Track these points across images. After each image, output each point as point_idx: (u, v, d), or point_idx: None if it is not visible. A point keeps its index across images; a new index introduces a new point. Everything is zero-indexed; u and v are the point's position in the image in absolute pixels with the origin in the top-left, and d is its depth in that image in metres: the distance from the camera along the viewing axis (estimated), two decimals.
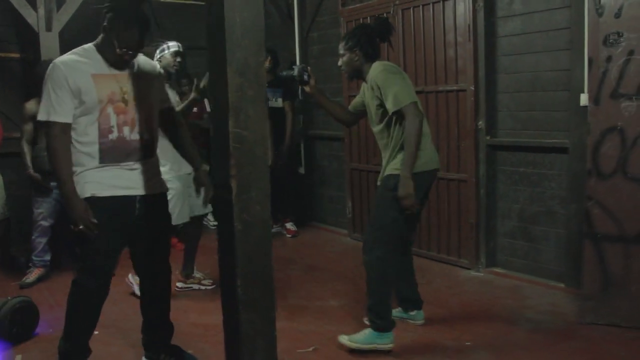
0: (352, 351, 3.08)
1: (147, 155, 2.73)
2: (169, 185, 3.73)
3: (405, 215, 3.04)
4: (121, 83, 2.64)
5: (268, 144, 2.04)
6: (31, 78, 5.26)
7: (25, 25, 4.93)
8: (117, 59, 2.60)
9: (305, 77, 3.38)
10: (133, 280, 3.96)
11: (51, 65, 2.61)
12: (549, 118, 3.91)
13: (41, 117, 2.56)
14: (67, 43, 4.76)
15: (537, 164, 3.99)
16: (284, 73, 3.34)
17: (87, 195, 2.59)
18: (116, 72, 2.64)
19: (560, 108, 3.85)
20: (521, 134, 4.08)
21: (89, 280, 2.69)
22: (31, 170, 4.37)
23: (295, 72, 3.39)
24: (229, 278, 2.02)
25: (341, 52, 3.25)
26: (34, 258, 4.48)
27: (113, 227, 2.63)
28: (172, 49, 3.90)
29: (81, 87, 2.54)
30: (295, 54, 5.90)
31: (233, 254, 1.97)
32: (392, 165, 3.14)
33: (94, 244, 2.62)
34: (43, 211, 4.44)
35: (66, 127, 2.56)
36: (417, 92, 4.45)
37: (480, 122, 4.21)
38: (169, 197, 3.72)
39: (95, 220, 2.55)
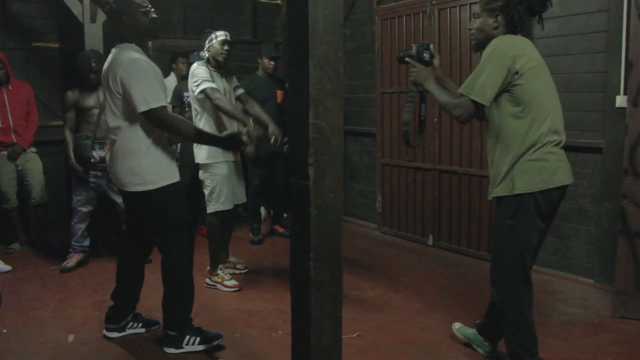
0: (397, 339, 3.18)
1: None
2: (214, 171, 3.88)
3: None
4: None
5: (342, 135, 2.15)
6: (72, 68, 5.41)
7: (65, 16, 5.06)
8: None
9: (426, 56, 2.87)
10: (212, 281, 4.07)
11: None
12: (583, 118, 4.02)
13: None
14: (108, 33, 4.93)
15: (570, 162, 4.07)
16: (401, 53, 2.86)
17: None
18: None
19: (594, 109, 3.95)
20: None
21: None
22: (73, 160, 4.49)
23: (414, 50, 2.86)
24: (302, 261, 2.13)
25: (476, 11, 2.68)
26: (73, 243, 4.61)
27: None
28: (219, 38, 4.01)
29: None
30: None
31: (307, 238, 2.09)
32: (503, 183, 2.58)
33: None
34: (82, 198, 4.57)
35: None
36: None
37: None
38: (213, 183, 3.87)
39: None
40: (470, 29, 2.73)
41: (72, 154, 4.50)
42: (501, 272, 2.67)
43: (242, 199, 4.18)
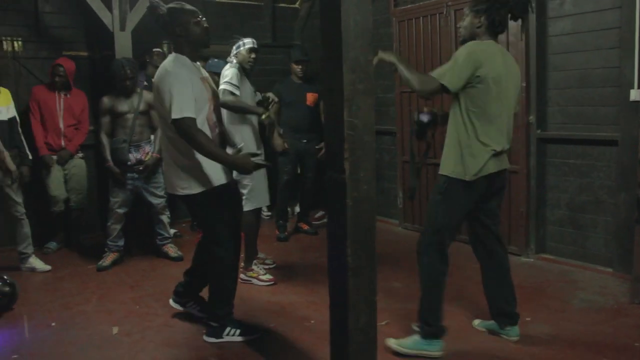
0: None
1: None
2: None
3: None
4: None
5: (374, 131, 2.35)
6: (100, 75, 5.67)
7: (95, 25, 5.32)
8: None
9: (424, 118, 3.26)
10: (247, 276, 4.25)
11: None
12: (598, 113, 4.18)
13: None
14: (136, 41, 5.18)
15: (587, 155, 4.26)
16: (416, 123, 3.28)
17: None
18: None
19: (609, 103, 4.10)
20: (570, 127, 4.34)
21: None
22: (111, 163, 4.71)
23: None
24: (339, 248, 2.33)
25: (466, 12, 3.03)
26: (109, 243, 4.83)
27: None
28: (247, 46, 4.19)
29: None
30: None
31: (344, 226, 2.29)
32: (444, 163, 3.02)
33: None
34: (119, 200, 4.79)
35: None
36: None
37: (531, 117, 4.48)
38: (252, 182, 4.07)
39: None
40: (459, 27, 3.11)
41: (109, 157, 4.72)
42: (422, 240, 3.05)
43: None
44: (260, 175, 4.13)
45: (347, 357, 2.38)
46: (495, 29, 2.94)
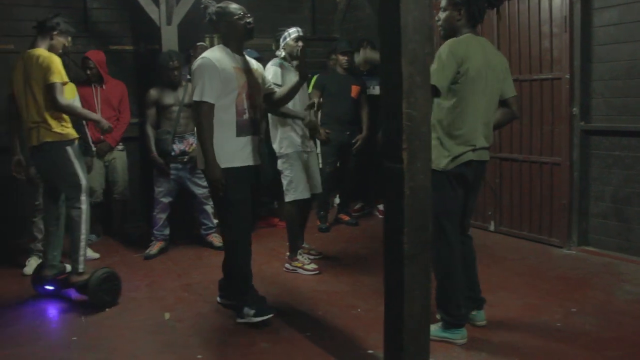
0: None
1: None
2: (292, 160, 4.17)
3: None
4: None
5: (430, 122, 2.41)
6: (144, 68, 5.82)
7: (140, 20, 5.46)
8: None
9: None
10: (293, 266, 4.36)
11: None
12: None
13: None
14: (182, 35, 5.30)
15: (632, 147, 4.24)
16: None
17: None
18: None
19: None
20: (615, 119, 4.33)
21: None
22: (155, 154, 4.85)
23: None
24: (395, 236, 2.41)
25: (443, 5, 3.05)
26: (155, 232, 4.98)
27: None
28: (293, 35, 4.24)
29: None
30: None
31: (401, 215, 2.36)
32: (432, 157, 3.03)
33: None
34: (163, 190, 4.93)
35: None
36: (513, 81, 4.84)
37: (574, 109, 4.48)
38: (291, 174, 4.17)
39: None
40: (438, 21, 3.09)
41: (153, 148, 4.86)
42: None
43: (319, 188, 4.46)
44: (300, 166, 4.22)
45: (401, 344, 2.46)
46: (475, 21, 2.98)
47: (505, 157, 5.10)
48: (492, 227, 5.30)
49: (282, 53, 4.28)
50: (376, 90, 5.90)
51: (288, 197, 4.25)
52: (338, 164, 5.68)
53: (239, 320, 3.42)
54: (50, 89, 3.68)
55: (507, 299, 3.66)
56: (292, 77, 4.20)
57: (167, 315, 3.63)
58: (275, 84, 4.05)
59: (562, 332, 3.17)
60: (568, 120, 4.51)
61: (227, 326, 3.44)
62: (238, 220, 3.41)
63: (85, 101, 5.14)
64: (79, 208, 3.82)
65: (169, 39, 5.09)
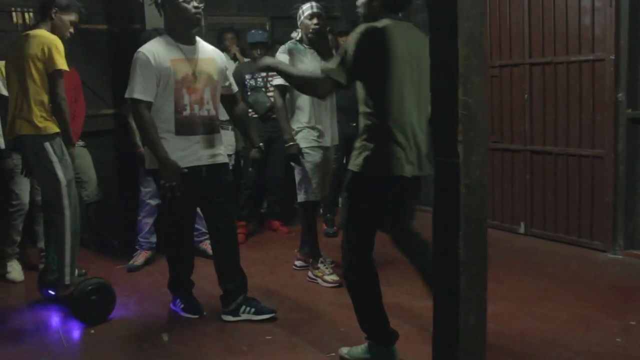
0: None
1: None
2: (307, 157, 4.16)
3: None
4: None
5: (486, 111, 2.42)
6: (121, 50, 5.75)
7: None
8: None
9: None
10: (314, 275, 4.39)
11: None
12: None
13: None
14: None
15: None
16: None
17: None
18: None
19: None
20: None
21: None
22: (142, 149, 4.77)
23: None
24: (449, 240, 2.41)
25: None
26: (140, 240, 4.94)
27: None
28: (307, 12, 4.16)
29: None
30: None
31: (456, 216, 2.37)
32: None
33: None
34: (151, 190, 4.88)
35: None
36: (546, 63, 4.92)
37: (620, 94, 4.53)
38: (303, 172, 4.16)
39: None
40: (357, 4, 3.07)
41: (139, 143, 4.80)
42: None
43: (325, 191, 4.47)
44: (315, 164, 4.23)
45: None
46: (394, 5, 2.92)
47: (537, 150, 5.15)
48: (522, 229, 5.34)
49: (297, 34, 4.25)
50: None
51: (299, 197, 4.31)
52: (344, 160, 5.68)
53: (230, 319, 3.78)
54: (52, 78, 3.67)
55: (553, 310, 3.70)
56: (309, 64, 4.19)
57: (165, 337, 3.59)
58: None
59: (625, 349, 3.19)
60: (612, 108, 4.56)
61: (240, 348, 3.42)
62: (170, 218, 3.79)
63: None
64: (62, 214, 3.77)
65: (155, 15, 4.99)
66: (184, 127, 3.53)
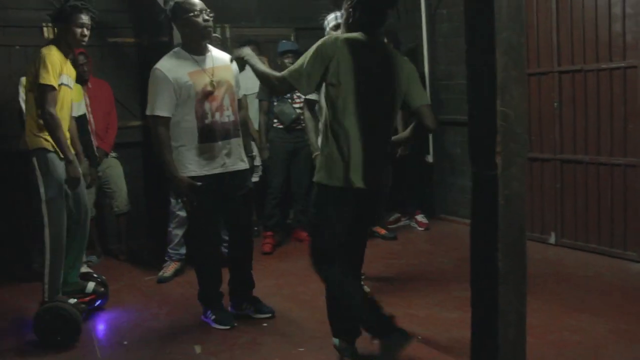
0: None
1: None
2: None
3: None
4: None
5: (526, 123, 2.41)
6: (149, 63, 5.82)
7: (143, 8, 5.50)
8: None
9: None
10: None
11: None
12: None
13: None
14: None
15: None
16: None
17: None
18: None
19: None
20: None
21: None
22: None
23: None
24: (487, 252, 2.39)
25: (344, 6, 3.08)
26: (170, 251, 4.96)
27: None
28: (331, 24, 4.09)
29: None
30: (421, 33, 6.26)
31: (494, 228, 2.35)
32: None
33: None
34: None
35: None
36: (576, 71, 4.88)
37: None
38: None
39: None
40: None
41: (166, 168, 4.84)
42: None
43: None
44: None
45: None
46: (368, 23, 2.97)
47: (567, 159, 5.09)
48: (552, 240, 5.29)
49: None
50: None
51: None
52: None
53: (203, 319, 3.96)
54: (39, 91, 3.73)
55: (591, 323, 3.65)
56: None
57: (198, 349, 3.61)
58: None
59: None
60: None
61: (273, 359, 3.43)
62: (196, 231, 3.90)
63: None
64: (45, 227, 3.83)
65: None
66: (207, 134, 3.65)
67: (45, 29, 5.39)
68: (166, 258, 4.98)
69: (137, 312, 4.26)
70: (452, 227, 6.10)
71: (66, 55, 3.94)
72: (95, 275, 4.30)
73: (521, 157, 2.38)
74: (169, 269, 4.92)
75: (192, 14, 3.61)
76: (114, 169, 5.40)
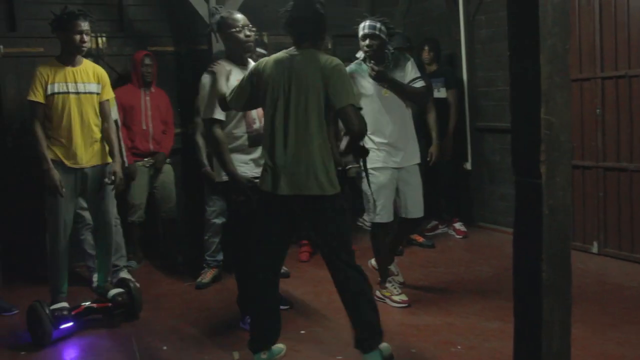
0: None
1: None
2: (370, 178, 4.11)
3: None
4: None
5: (570, 131, 2.37)
6: (187, 71, 5.90)
7: (183, 17, 5.59)
8: None
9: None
10: (382, 294, 4.34)
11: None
12: None
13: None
14: None
15: None
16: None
17: None
18: None
19: None
20: None
21: None
22: (208, 168, 4.85)
23: None
24: (531, 262, 2.35)
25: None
26: (207, 258, 5.00)
27: None
28: (360, 33, 4.09)
29: None
30: (459, 39, 6.21)
31: (539, 238, 2.31)
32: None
33: None
34: (217, 209, 4.94)
35: None
36: (619, 77, 4.79)
37: None
38: (368, 192, 4.12)
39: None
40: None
41: (206, 161, 4.88)
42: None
43: (414, 212, 4.29)
44: (379, 186, 4.14)
45: None
46: (298, 39, 3.22)
47: (611, 167, 5.00)
48: (594, 249, 5.18)
49: (362, 54, 4.20)
50: (441, 92, 5.93)
51: (369, 217, 4.27)
52: None
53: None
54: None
55: (636, 335, 3.56)
56: (369, 88, 4.16)
57: (236, 355, 3.62)
58: None
59: None
60: None
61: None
62: (236, 241, 3.91)
63: (132, 108, 5.22)
64: (47, 231, 4.16)
65: None
66: (255, 139, 3.75)
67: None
68: (204, 265, 5.02)
69: (175, 317, 4.29)
70: (491, 235, 6.02)
71: (67, 63, 4.09)
72: (130, 284, 4.28)
73: (566, 165, 2.35)
74: (207, 275, 4.95)
75: (234, 29, 3.72)
76: (167, 175, 5.48)
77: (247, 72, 3.38)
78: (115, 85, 5.33)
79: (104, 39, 5.58)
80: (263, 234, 3.32)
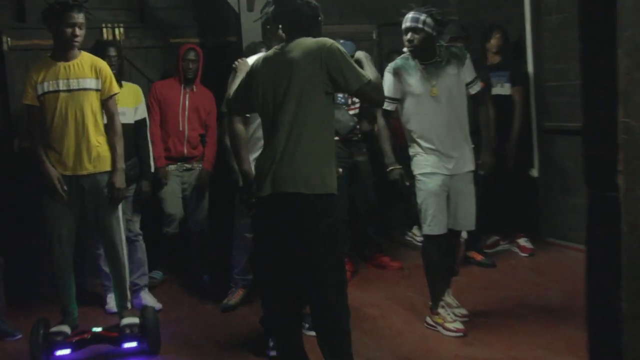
0: None
1: None
2: (419, 185, 4.11)
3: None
4: None
5: None
6: (213, 65, 5.95)
7: (208, 6, 5.63)
8: None
9: None
10: (433, 321, 4.30)
11: None
12: None
13: None
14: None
15: None
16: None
17: None
18: None
19: None
20: None
21: None
22: (239, 175, 4.86)
23: None
24: (608, 289, 2.29)
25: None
26: (236, 277, 5.00)
27: None
28: (402, 26, 4.12)
29: None
30: (524, 26, 6.14)
31: (617, 261, 2.25)
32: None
33: None
34: (248, 222, 4.92)
35: None
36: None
37: None
38: (418, 200, 4.11)
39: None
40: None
41: (237, 167, 4.88)
42: None
43: (465, 224, 4.35)
44: (429, 193, 4.14)
45: None
46: (290, 35, 3.32)
47: None
48: None
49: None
50: (505, 88, 5.85)
51: (422, 229, 4.29)
52: None
53: None
54: None
55: None
56: (415, 85, 4.18)
57: None
58: (387, 98, 3.98)
59: None
60: None
61: None
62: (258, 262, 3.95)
63: (170, 105, 5.28)
64: None
65: (251, 27, 5.12)
66: None
67: (104, 29, 5.58)
68: (231, 284, 5.02)
69: (199, 346, 4.33)
70: (562, 253, 5.90)
71: (60, 59, 4.09)
72: (148, 315, 4.21)
73: None
74: (235, 296, 4.96)
75: (320, 17, 3.68)
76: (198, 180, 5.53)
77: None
78: (134, 78, 5.46)
79: (121, 29, 5.67)
80: (261, 253, 3.39)
